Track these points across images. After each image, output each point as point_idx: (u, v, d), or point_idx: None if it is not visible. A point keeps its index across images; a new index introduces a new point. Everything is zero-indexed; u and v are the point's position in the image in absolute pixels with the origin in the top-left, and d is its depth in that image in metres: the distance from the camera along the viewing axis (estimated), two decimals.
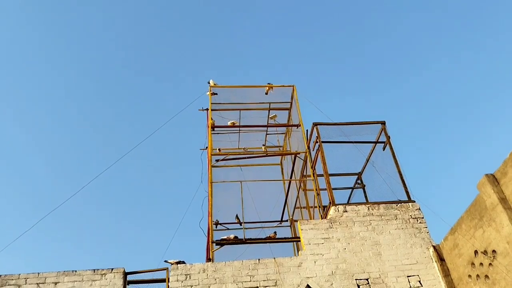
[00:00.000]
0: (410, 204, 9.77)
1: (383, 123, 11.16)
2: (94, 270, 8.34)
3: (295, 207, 12.96)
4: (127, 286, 8.44)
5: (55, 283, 8.12)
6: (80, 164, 30.86)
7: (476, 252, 7.84)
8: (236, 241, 9.95)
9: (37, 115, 31.33)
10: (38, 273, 8.22)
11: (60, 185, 29.34)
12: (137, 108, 33.63)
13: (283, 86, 13.24)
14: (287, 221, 13.33)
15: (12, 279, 8.11)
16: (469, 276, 8.03)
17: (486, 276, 7.60)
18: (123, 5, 32.56)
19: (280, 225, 13.23)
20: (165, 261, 8.70)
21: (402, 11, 33.94)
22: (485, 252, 7.60)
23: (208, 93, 13.01)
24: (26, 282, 8.09)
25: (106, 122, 32.94)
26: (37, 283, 8.10)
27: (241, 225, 10.75)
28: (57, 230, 28.77)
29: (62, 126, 31.65)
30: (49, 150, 31.26)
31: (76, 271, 8.31)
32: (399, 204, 9.75)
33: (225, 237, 9.89)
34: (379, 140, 11.16)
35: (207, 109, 13.02)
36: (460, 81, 32.65)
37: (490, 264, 7.50)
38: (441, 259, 8.84)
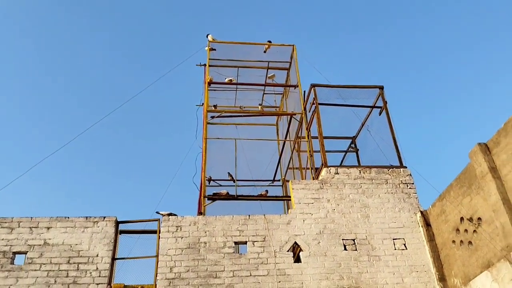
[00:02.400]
0: (401, 169, 9.86)
1: (381, 87, 11.10)
2: (87, 217, 8.47)
3: (288, 168, 13.07)
4: (119, 235, 8.59)
5: (48, 228, 8.26)
6: (78, 111, 30.74)
7: (462, 219, 8.00)
8: (228, 197, 10.10)
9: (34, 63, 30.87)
10: (31, 218, 8.34)
11: (57, 132, 29.35)
12: (135, 60, 33.17)
13: (283, 45, 13.05)
14: (279, 180, 13.47)
15: (5, 222, 8.24)
16: (453, 241, 8.23)
17: (470, 242, 7.80)
18: None
19: (272, 184, 13.37)
20: (157, 212, 8.84)
21: None
22: (470, 219, 7.76)
23: (206, 48, 12.81)
24: (19, 226, 8.22)
25: (105, 72, 32.55)
26: (30, 227, 8.23)
27: (234, 182, 10.86)
28: (51, 177, 29.00)
29: (65, 71, 31.26)
30: (49, 94, 31.01)
31: (68, 217, 8.43)
32: (391, 169, 9.85)
33: (221, 191, 10.02)
34: (376, 105, 11.13)
35: (204, 65, 12.87)
36: (464, 50, 32.27)
37: (474, 231, 7.67)
38: (427, 224, 9.04)
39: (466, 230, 7.91)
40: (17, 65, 30.50)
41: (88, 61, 32.20)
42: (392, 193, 9.48)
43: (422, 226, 9.06)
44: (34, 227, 8.24)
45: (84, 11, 31.94)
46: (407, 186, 9.66)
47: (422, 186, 9.99)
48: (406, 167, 9.94)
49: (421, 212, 9.22)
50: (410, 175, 9.83)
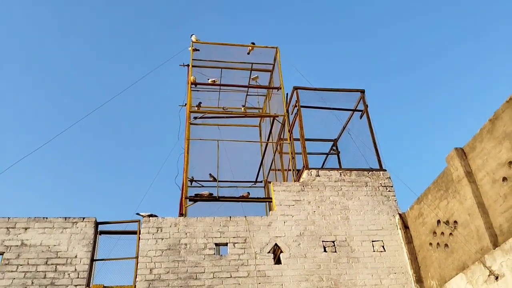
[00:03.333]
0: (381, 172, 10.01)
1: (363, 91, 11.24)
2: (66, 218, 8.38)
3: (270, 169, 13.13)
4: (98, 236, 8.51)
5: (25, 229, 8.15)
6: (57, 111, 30.29)
7: (438, 221, 8.16)
8: (210, 198, 10.09)
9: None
10: (8, 218, 8.22)
11: (36, 131, 28.86)
12: (118, 59, 32.86)
13: (267, 47, 13.10)
14: (261, 182, 13.51)
15: None
16: (430, 244, 8.39)
17: (446, 245, 7.96)
18: None
19: (254, 185, 13.41)
20: (137, 214, 8.79)
21: None
22: (447, 222, 7.92)
23: (190, 48, 12.78)
24: None
25: (87, 71, 32.14)
26: (7, 227, 8.11)
27: (216, 183, 10.85)
28: (27, 178, 28.51)
29: (42, 71, 30.78)
30: (27, 92, 30.48)
31: (47, 218, 8.33)
32: (371, 172, 9.99)
33: (204, 193, 10.00)
34: (357, 108, 11.27)
35: (188, 65, 12.83)
36: (446, 56, 32.85)
37: (450, 233, 7.84)
38: (405, 227, 9.19)
39: (442, 233, 8.07)
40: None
41: (71, 61, 31.78)
42: (371, 195, 9.61)
43: (400, 229, 9.21)
44: (11, 228, 8.12)
45: (66, 8, 31.52)
46: (386, 189, 9.80)
47: (401, 189, 10.18)
48: (385, 170, 10.09)
49: (400, 214, 9.37)
50: (390, 178, 9.98)
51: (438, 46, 32.72)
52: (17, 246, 7.96)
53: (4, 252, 7.86)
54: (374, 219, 9.29)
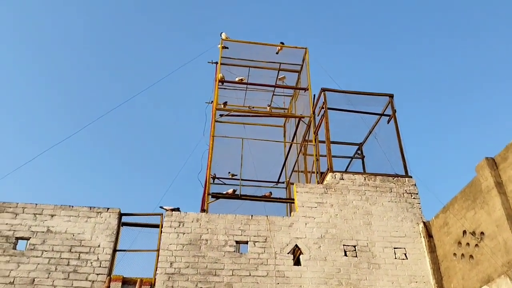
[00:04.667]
0: (406, 179, 9.85)
1: (391, 96, 11.08)
2: (91, 207, 8.53)
3: (293, 170, 13.07)
4: (121, 227, 8.64)
5: (52, 216, 8.33)
6: (86, 104, 30.92)
7: (464, 232, 7.97)
8: (232, 196, 10.13)
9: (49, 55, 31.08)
10: (36, 204, 8.42)
11: (65, 121, 29.54)
12: (147, 54, 33.30)
13: (296, 47, 13.05)
14: (283, 183, 13.48)
15: (10, 207, 8.32)
16: (454, 254, 8.20)
17: (471, 256, 7.77)
18: None
19: (276, 186, 13.38)
20: (161, 207, 8.88)
21: None
22: (473, 233, 7.73)
23: (219, 46, 12.84)
24: (23, 211, 8.30)
25: (116, 66, 32.71)
26: (34, 213, 8.31)
27: (238, 181, 10.87)
28: (57, 166, 29.19)
29: (72, 68, 31.46)
30: (58, 85, 31.22)
31: (73, 206, 8.50)
32: (396, 178, 9.83)
33: (228, 191, 10.04)
34: (385, 113, 11.12)
35: (216, 63, 12.90)
36: (476, 63, 32.06)
37: (476, 245, 7.64)
38: (429, 236, 9.01)
39: (468, 244, 7.88)
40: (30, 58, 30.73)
41: (104, 55, 32.36)
42: (395, 202, 9.46)
43: (424, 237, 9.03)
44: (38, 214, 8.32)
45: (96, 7, 32.12)
46: (411, 196, 9.63)
47: (426, 197, 9.96)
48: (411, 177, 9.92)
49: (424, 222, 9.19)
50: (415, 185, 9.81)
51: (469, 51, 32.00)
52: (43, 232, 8.15)
53: (30, 237, 8.06)
54: (397, 226, 9.14)
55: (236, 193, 10.19)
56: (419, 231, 9.14)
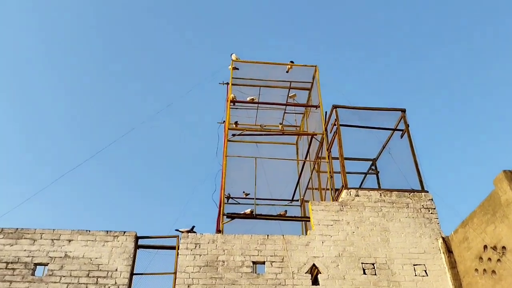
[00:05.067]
0: (423, 194, 9.74)
1: (403, 110, 11.05)
2: (107, 231, 8.56)
3: (307, 188, 13.02)
4: (138, 250, 8.64)
5: (69, 241, 8.37)
6: (98, 129, 31.29)
7: (485, 247, 7.83)
8: (247, 215, 10.09)
9: (61, 76, 31.67)
10: (53, 230, 8.47)
11: (80, 147, 29.89)
12: (158, 77, 33.73)
13: (305, 65, 13.14)
14: (297, 200, 13.42)
15: (28, 233, 8.38)
16: (476, 270, 8.04)
17: (493, 272, 7.61)
18: None
19: (290, 204, 13.33)
20: (176, 230, 8.88)
21: None
22: (494, 248, 7.59)
23: (230, 67, 12.98)
24: (41, 237, 8.35)
25: (126, 90, 33.16)
26: (52, 239, 8.35)
27: (254, 200, 10.85)
28: (73, 191, 29.42)
29: (84, 89, 31.98)
30: (70, 111, 31.72)
31: (89, 230, 8.54)
32: (412, 193, 9.73)
33: (245, 211, 10.03)
34: (397, 128, 11.07)
35: (227, 83, 13.03)
36: (494, 72, 31.83)
37: (498, 260, 7.49)
38: (449, 251, 8.86)
39: (489, 259, 7.73)
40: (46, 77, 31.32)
41: (111, 80, 32.86)
42: (413, 217, 9.35)
43: (443, 253, 8.88)
44: (56, 239, 8.36)
45: (110, 28, 32.77)
46: (429, 211, 9.51)
47: (444, 211, 9.84)
48: (427, 192, 9.81)
49: (443, 238, 9.05)
50: (432, 200, 9.69)
51: (487, 58, 31.80)
52: (60, 257, 8.18)
53: (48, 263, 8.10)
54: (416, 242, 9.01)
55: (244, 212, 10.17)
56: (438, 247, 8.99)
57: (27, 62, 30.66)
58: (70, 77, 31.88)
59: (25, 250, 8.19)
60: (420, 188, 9.89)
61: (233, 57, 12.98)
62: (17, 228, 8.41)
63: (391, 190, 9.73)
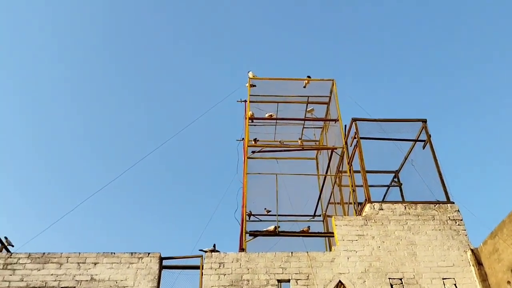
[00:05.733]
0: (448, 205, 9.54)
1: (424, 121, 10.91)
2: (132, 253, 8.60)
3: (329, 202, 12.89)
4: (162, 271, 8.65)
5: (95, 264, 8.44)
6: (120, 151, 31.76)
7: None
8: (269, 233, 10.02)
9: (83, 100, 32.38)
10: (79, 253, 8.55)
11: (101, 171, 30.36)
12: (176, 98, 34.15)
13: (322, 80, 13.13)
14: (320, 216, 13.28)
15: (55, 257, 8.49)
16: (508, 282, 7.79)
17: None
18: None
19: (312, 219, 13.19)
20: (200, 250, 8.87)
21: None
22: None
23: (247, 84, 13.07)
24: (67, 261, 8.44)
25: (145, 111, 33.65)
26: (78, 263, 8.43)
27: (276, 216, 10.79)
28: (97, 214, 29.80)
29: (104, 114, 32.60)
30: (92, 135, 32.33)
31: (114, 253, 8.59)
32: (437, 204, 9.54)
33: (269, 228, 9.97)
34: (419, 139, 10.93)
35: (245, 101, 13.10)
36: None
37: None
38: (479, 263, 8.61)
39: None
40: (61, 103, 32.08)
41: (132, 101, 33.44)
42: (439, 230, 9.14)
43: (473, 265, 8.64)
44: (82, 263, 8.44)
45: (128, 50, 33.47)
46: (456, 222, 9.30)
47: (471, 222, 9.58)
48: (453, 203, 9.60)
49: (472, 250, 8.81)
50: (458, 211, 9.48)
51: (500, 73, 31.29)
52: (87, 280, 8.24)
53: (75, 287, 8.16)
54: (444, 255, 8.79)
55: (268, 229, 10.10)
56: (467, 259, 8.76)
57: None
58: (91, 100, 32.56)
59: (52, 274, 8.28)
60: (445, 199, 9.69)
61: (250, 74, 13.07)
62: (43, 253, 8.52)
63: (416, 203, 9.56)
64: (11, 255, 8.52)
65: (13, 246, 9.48)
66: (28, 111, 31.20)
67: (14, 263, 8.36)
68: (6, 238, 9.61)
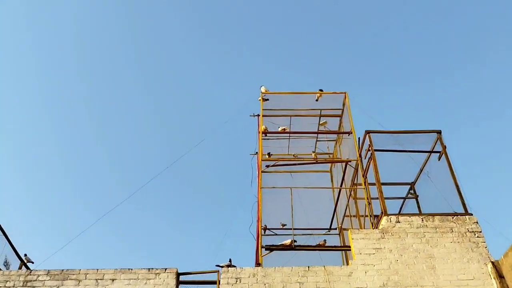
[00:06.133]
0: (467, 217, 9.42)
1: (439, 132, 10.84)
2: (149, 269, 8.63)
3: (344, 215, 12.83)
4: (179, 286, 8.66)
5: (112, 280, 8.48)
6: (135, 167, 32.04)
7: None
8: (285, 247, 9.99)
9: (102, 118, 32.85)
10: (97, 269, 8.61)
11: (118, 187, 30.66)
12: (189, 113, 34.43)
13: (335, 93, 13.17)
14: (335, 229, 13.20)
15: (73, 274, 8.55)
16: None
17: None
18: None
19: (328, 233, 13.12)
20: (217, 265, 8.87)
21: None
22: None
23: (259, 99, 13.17)
24: (85, 278, 8.50)
25: (161, 126, 33.98)
26: (96, 279, 8.49)
27: (292, 230, 10.76)
28: (114, 229, 29.98)
29: (120, 129, 33.00)
30: (109, 151, 32.71)
31: (132, 269, 8.63)
32: (455, 216, 9.43)
33: (285, 242, 9.95)
34: (434, 150, 10.86)
35: (258, 115, 13.19)
36: None
37: None
38: (500, 276, 8.46)
39: None
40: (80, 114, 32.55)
41: (149, 115, 33.81)
42: (458, 242, 9.02)
43: (494, 278, 8.49)
44: (100, 279, 8.49)
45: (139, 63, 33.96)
46: (475, 234, 9.17)
47: (491, 234, 9.43)
48: (472, 214, 9.48)
49: (492, 262, 8.67)
50: (477, 222, 9.35)
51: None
52: None
53: None
54: (464, 268, 8.65)
55: (285, 243, 10.06)
56: (488, 272, 8.61)
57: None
58: (110, 119, 33.04)
59: None
60: (463, 211, 9.58)
61: (262, 89, 13.18)
62: (62, 270, 8.60)
63: (433, 215, 9.46)
64: (30, 272, 8.62)
65: (33, 263, 9.60)
66: (56, 132, 31.74)
67: (33, 280, 8.44)
68: (25, 255, 9.74)
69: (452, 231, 9.18)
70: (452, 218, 9.39)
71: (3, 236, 9.54)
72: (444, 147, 10.63)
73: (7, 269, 9.66)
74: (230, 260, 9.06)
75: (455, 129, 30.03)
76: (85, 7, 32.27)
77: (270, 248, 9.93)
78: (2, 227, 9.46)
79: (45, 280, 8.44)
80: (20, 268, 10.02)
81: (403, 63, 34.23)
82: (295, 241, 9.90)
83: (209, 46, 34.98)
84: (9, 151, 31.45)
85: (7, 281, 8.42)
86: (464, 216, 9.42)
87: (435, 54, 33.45)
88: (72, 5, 31.90)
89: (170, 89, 34.41)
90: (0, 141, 31.50)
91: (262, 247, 9.98)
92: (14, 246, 9.84)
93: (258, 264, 9.71)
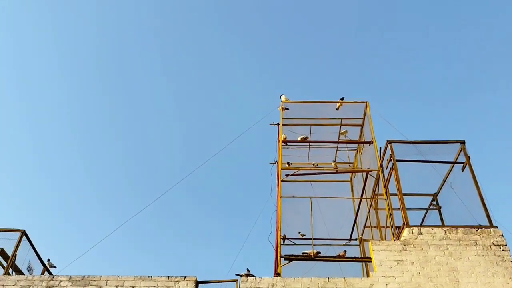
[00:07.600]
0: (492, 229, 9.19)
1: (463, 142, 10.65)
2: (169, 277, 8.68)
3: (365, 226, 12.66)
4: None
5: (133, 287, 8.55)
6: (154, 176, 32.39)
7: None
8: (305, 257, 9.91)
9: (119, 124, 33.38)
10: (118, 276, 8.70)
11: (138, 195, 31.08)
12: (207, 122, 34.68)
13: (356, 102, 13.09)
14: (356, 240, 13.04)
15: (94, 280, 8.65)
16: None
17: None
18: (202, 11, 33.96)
19: (348, 243, 12.97)
20: (236, 274, 8.87)
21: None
22: None
23: (279, 108, 13.17)
24: (106, 284, 8.59)
25: (180, 134, 34.30)
26: (116, 286, 8.57)
27: (311, 240, 10.68)
28: (135, 236, 30.29)
29: (136, 136, 33.45)
30: (128, 159, 33.16)
31: (152, 276, 8.69)
32: (479, 229, 9.21)
33: (310, 252, 9.89)
34: (457, 160, 10.65)
35: (278, 124, 13.18)
36: None
37: None
38: None
39: None
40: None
41: (168, 123, 34.19)
42: (483, 255, 8.80)
43: None
44: (120, 286, 8.56)
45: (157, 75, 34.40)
46: (500, 247, 8.93)
47: None
48: (496, 227, 9.25)
49: None
50: (502, 235, 9.12)
51: None
52: None
53: None
54: (489, 282, 8.43)
55: (309, 253, 9.97)
56: None
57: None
58: (128, 126, 33.52)
59: None
60: (487, 223, 9.36)
61: (283, 98, 13.19)
62: (83, 276, 8.71)
63: (457, 227, 9.26)
64: (53, 277, 8.75)
65: (55, 267, 9.76)
66: (73, 137, 32.38)
67: (55, 286, 8.57)
68: (48, 260, 9.91)
69: (476, 244, 8.96)
70: (476, 230, 9.18)
71: (27, 242, 9.73)
72: (468, 158, 10.43)
73: (30, 274, 9.84)
74: (248, 270, 9.04)
75: (479, 141, 29.46)
76: (106, 4, 32.81)
77: (290, 258, 9.85)
78: (27, 232, 9.65)
79: (67, 286, 8.56)
80: (43, 273, 10.20)
81: (427, 73, 33.80)
82: (319, 252, 9.80)
83: (231, 52, 35.26)
84: (35, 157, 32.25)
85: (30, 286, 8.57)
86: (489, 229, 9.20)
87: (460, 65, 32.98)
88: (91, 4, 32.49)
89: (192, 97, 34.72)
90: (26, 147, 32.31)
91: (281, 256, 9.92)
92: (38, 251, 10.04)
93: (277, 274, 9.64)
